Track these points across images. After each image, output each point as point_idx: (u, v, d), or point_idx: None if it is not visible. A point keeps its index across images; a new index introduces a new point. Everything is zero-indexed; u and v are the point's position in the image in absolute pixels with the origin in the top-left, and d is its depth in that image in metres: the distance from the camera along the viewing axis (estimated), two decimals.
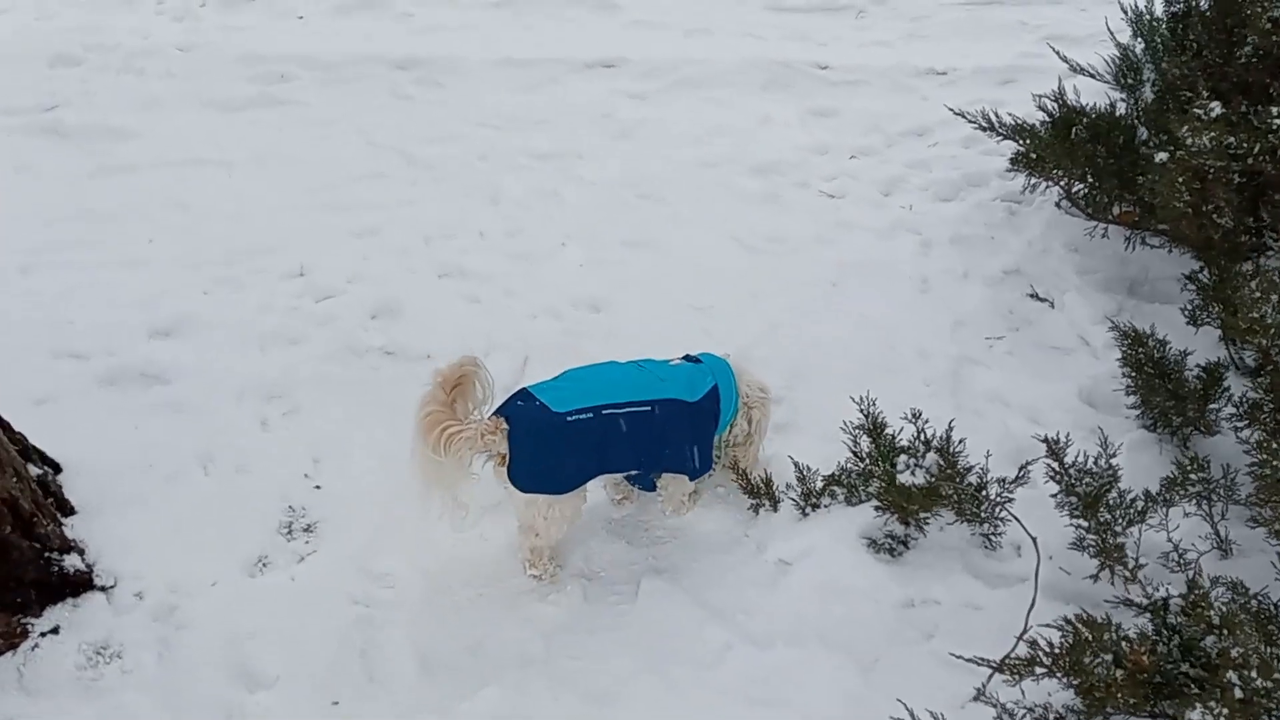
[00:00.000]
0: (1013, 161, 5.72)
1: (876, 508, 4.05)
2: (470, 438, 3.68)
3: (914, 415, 4.06)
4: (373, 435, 4.63)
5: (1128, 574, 3.69)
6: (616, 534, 4.27)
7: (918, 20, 8.32)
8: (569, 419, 3.77)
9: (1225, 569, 3.65)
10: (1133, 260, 5.39)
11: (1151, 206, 5.17)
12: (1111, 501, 3.74)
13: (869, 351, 5.08)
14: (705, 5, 8.54)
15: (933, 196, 6.29)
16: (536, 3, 8.61)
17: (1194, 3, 5.19)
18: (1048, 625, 3.22)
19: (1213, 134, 4.40)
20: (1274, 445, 3.55)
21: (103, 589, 3.92)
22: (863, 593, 3.88)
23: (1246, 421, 4.03)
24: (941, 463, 3.95)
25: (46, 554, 3.81)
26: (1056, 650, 3.03)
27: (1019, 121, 5.72)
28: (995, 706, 3.16)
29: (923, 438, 4.03)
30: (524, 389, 3.91)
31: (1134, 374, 4.42)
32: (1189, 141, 4.47)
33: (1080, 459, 3.78)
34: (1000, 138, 5.86)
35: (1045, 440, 3.80)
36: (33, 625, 3.76)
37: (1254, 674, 2.82)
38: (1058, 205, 5.79)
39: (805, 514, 4.17)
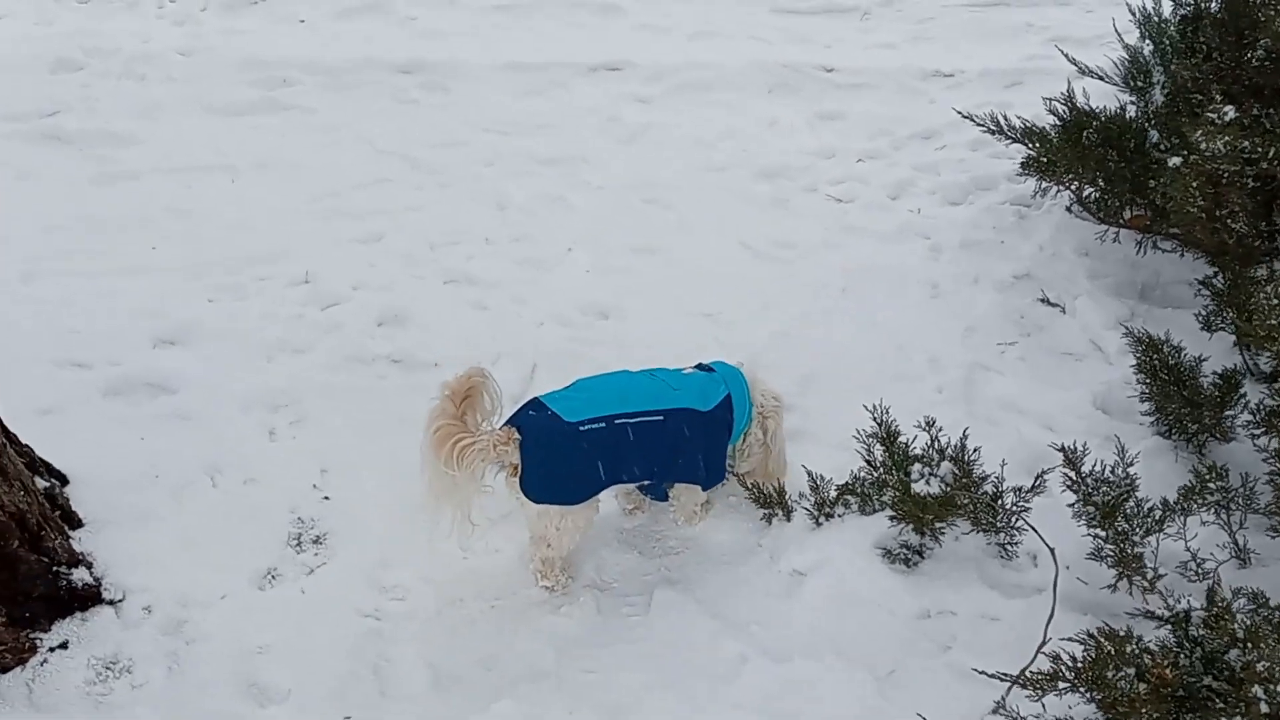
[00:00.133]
0: (1024, 166, 5.68)
1: (891, 517, 4.01)
2: (483, 449, 3.65)
3: (928, 423, 4.02)
4: (381, 445, 4.58)
5: (1146, 584, 3.66)
6: (628, 544, 4.24)
7: (923, 22, 8.26)
8: (581, 429, 3.74)
9: (1244, 579, 3.62)
10: (1144, 264, 5.36)
11: (1163, 210, 5.14)
12: (1129, 510, 3.71)
13: (880, 358, 5.05)
14: (709, 8, 8.47)
15: (941, 200, 6.25)
16: (540, 6, 8.54)
17: (1204, 5, 5.15)
18: (1069, 639, 3.18)
19: (1227, 138, 4.37)
20: None
21: (111, 603, 3.88)
22: (878, 604, 3.85)
23: (1264, 429, 4.00)
24: (956, 472, 3.92)
25: (55, 568, 3.78)
26: (1079, 664, 2.99)
27: (1028, 125, 5.68)
28: None
29: (937, 446, 3.99)
30: (535, 399, 3.88)
31: (1149, 380, 4.39)
32: (1203, 146, 4.44)
33: (1098, 468, 3.74)
34: (1009, 141, 5.83)
35: (1062, 449, 3.77)
36: (41, 640, 3.72)
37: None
38: (1068, 209, 5.76)
39: (819, 523, 4.13)
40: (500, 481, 3.87)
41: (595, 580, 4.09)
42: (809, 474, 4.18)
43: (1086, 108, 5.49)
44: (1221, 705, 2.89)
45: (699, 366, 4.18)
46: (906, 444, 4.07)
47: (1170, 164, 4.66)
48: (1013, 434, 4.54)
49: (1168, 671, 2.94)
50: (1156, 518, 3.69)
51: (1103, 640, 3.04)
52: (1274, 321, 3.79)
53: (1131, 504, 3.71)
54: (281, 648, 3.82)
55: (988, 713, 3.38)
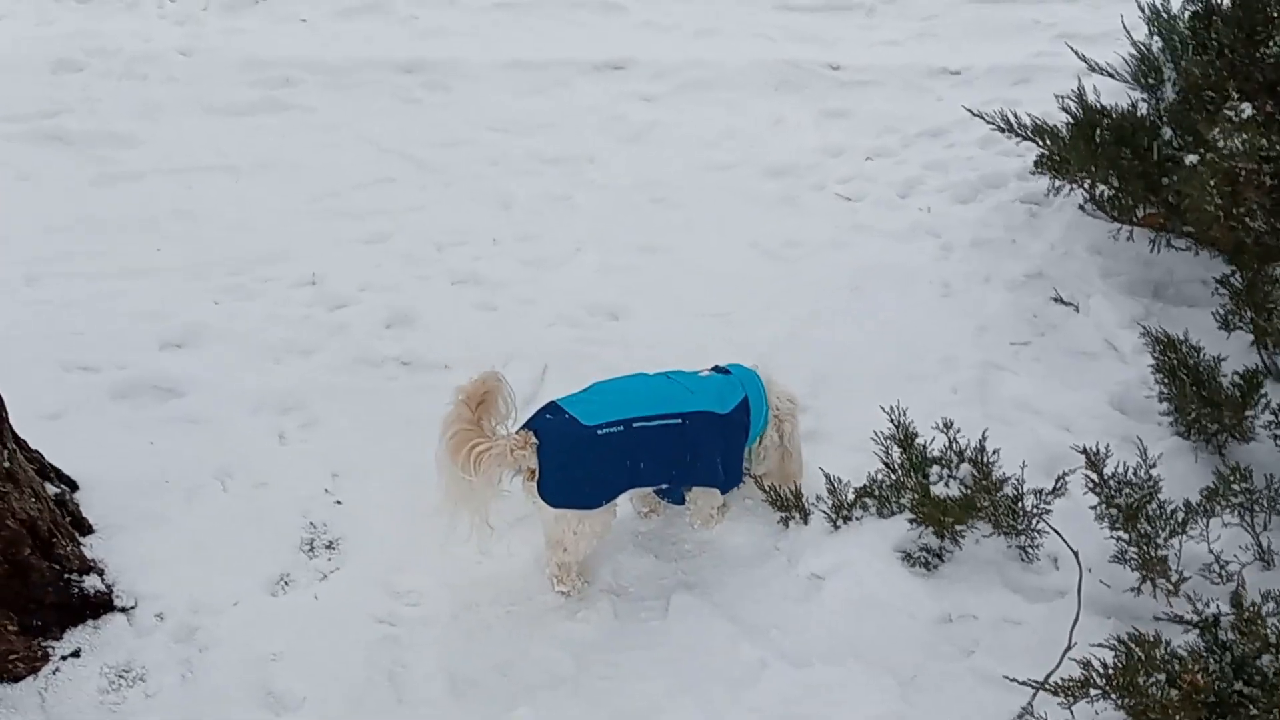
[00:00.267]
0: (1037, 164, 5.65)
1: (910, 520, 3.97)
2: (500, 454, 3.61)
3: (945, 425, 3.99)
4: (391, 448, 4.53)
5: (1170, 587, 3.63)
6: (644, 548, 4.19)
7: (927, 19, 8.24)
8: (599, 432, 3.69)
9: (1268, 581, 3.59)
10: (1157, 263, 5.33)
11: (1176, 208, 5.11)
12: (1151, 512, 3.67)
13: (893, 358, 5.00)
14: (712, 6, 8.45)
15: (950, 198, 6.21)
16: (540, 4, 8.52)
17: (1216, 1, 5.11)
18: (1098, 645, 3.14)
19: (1245, 136, 4.34)
20: None
21: (123, 610, 3.83)
22: (898, 607, 3.81)
23: None
24: (976, 474, 3.89)
25: (66, 575, 3.73)
26: (1110, 671, 2.96)
27: (1039, 122, 5.65)
28: None
29: (955, 448, 3.96)
30: (552, 402, 3.84)
31: (1167, 380, 4.35)
32: (1220, 143, 4.42)
33: (1120, 469, 3.71)
34: (1019, 139, 5.80)
35: (1084, 451, 3.72)
36: (53, 648, 3.67)
37: None
38: (1081, 208, 5.72)
39: (836, 526, 4.09)
40: (517, 485, 3.82)
41: (611, 585, 4.05)
42: (826, 477, 4.14)
43: (1098, 105, 5.46)
44: (1255, 712, 2.86)
45: (715, 369, 4.15)
46: (924, 446, 4.03)
47: (1187, 162, 4.62)
48: (1029, 435, 4.49)
49: (1199, 678, 2.90)
50: (1179, 520, 3.65)
51: (1133, 646, 3.00)
52: None
53: (1154, 506, 3.67)
54: (295, 655, 3.76)
55: (1013, 719, 3.33)
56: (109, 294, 5.42)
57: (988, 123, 5.82)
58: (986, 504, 3.86)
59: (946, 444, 3.97)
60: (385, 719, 3.60)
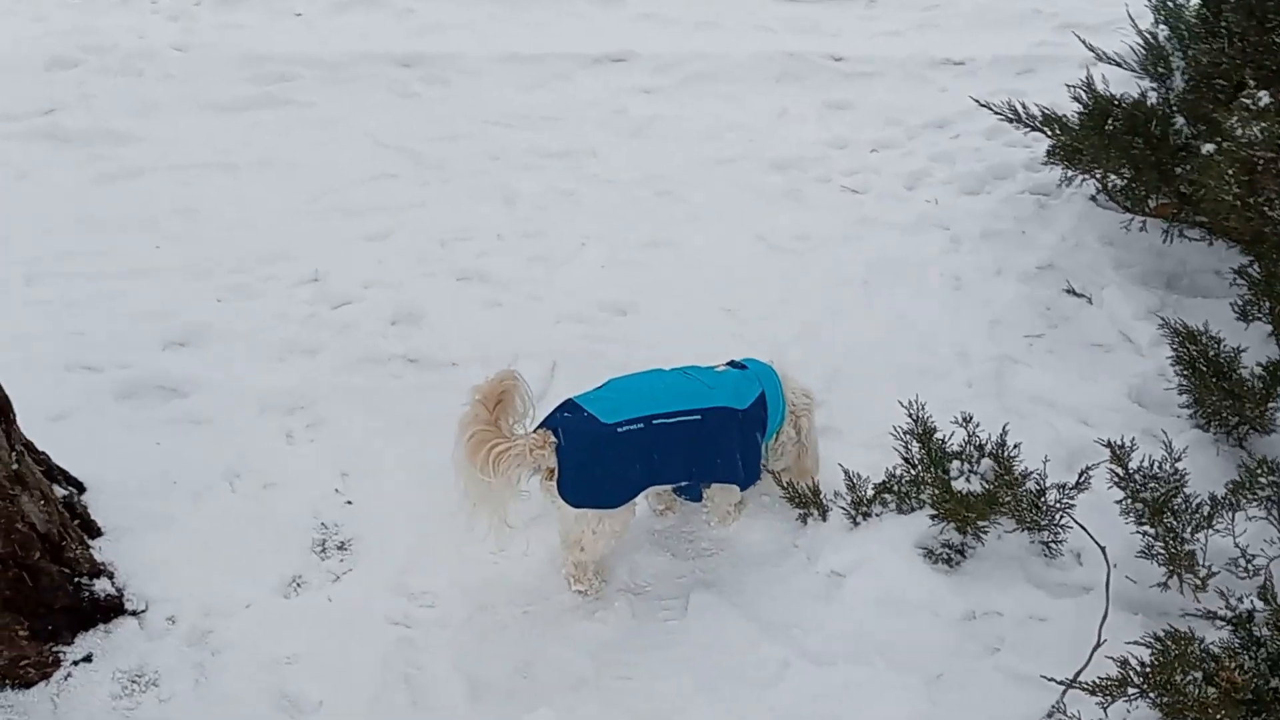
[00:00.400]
0: (1049, 154, 5.61)
1: (932, 516, 3.92)
2: (519, 454, 3.54)
3: (965, 419, 3.94)
4: (401, 447, 4.48)
5: (1198, 582, 3.58)
6: (661, 546, 4.13)
7: (929, 9, 8.21)
8: (619, 430, 3.63)
9: None
10: (1170, 253, 5.29)
11: (1189, 198, 5.07)
12: (1176, 506, 3.63)
13: (907, 352, 4.95)
14: None
15: (958, 190, 6.17)
16: None
17: None
18: (1135, 643, 3.09)
19: (1263, 124, 4.29)
20: None
21: (134, 613, 3.76)
22: (921, 605, 3.75)
23: None
24: (997, 468, 3.84)
25: (76, 579, 3.66)
26: (1148, 669, 2.91)
27: (1047, 112, 5.61)
28: None
29: (975, 443, 3.91)
30: (570, 400, 3.77)
31: (1187, 372, 4.30)
32: (1238, 132, 4.37)
33: (1145, 463, 3.66)
34: (1027, 129, 5.75)
35: (1109, 445, 3.68)
36: (65, 653, 3.59)
37: None
38: (1093, 198, 5.68)
39: (856, 523, 4.04)
40: (534, 485, 3.76)
41: (629, 584, 3.99)
42: (845, 473, 4.09)
43: (1108, 95, 5.41)
44: None
45: (731, 364, 4.09)
46: (943, 441, 3.98)
47: (1204, 151, 4.57)
48: (1046, 428, 4.45)
49: (1237, 675, 2.86)
50: (1205, 514, 3.61)
51: (1170, 644, 2.95)
52: None
53: (1179, 500, 3.63)
54: (310, 658, 3.70)
55: (1043, 717, 3.29)
56: (110, 293, 5.34)
57: (995, 113, 5.77)
58: (1009, 499, 3.81)
59: (966, 438, 3.92)
60: None
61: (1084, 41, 5.79)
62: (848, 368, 4.90)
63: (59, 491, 3.83)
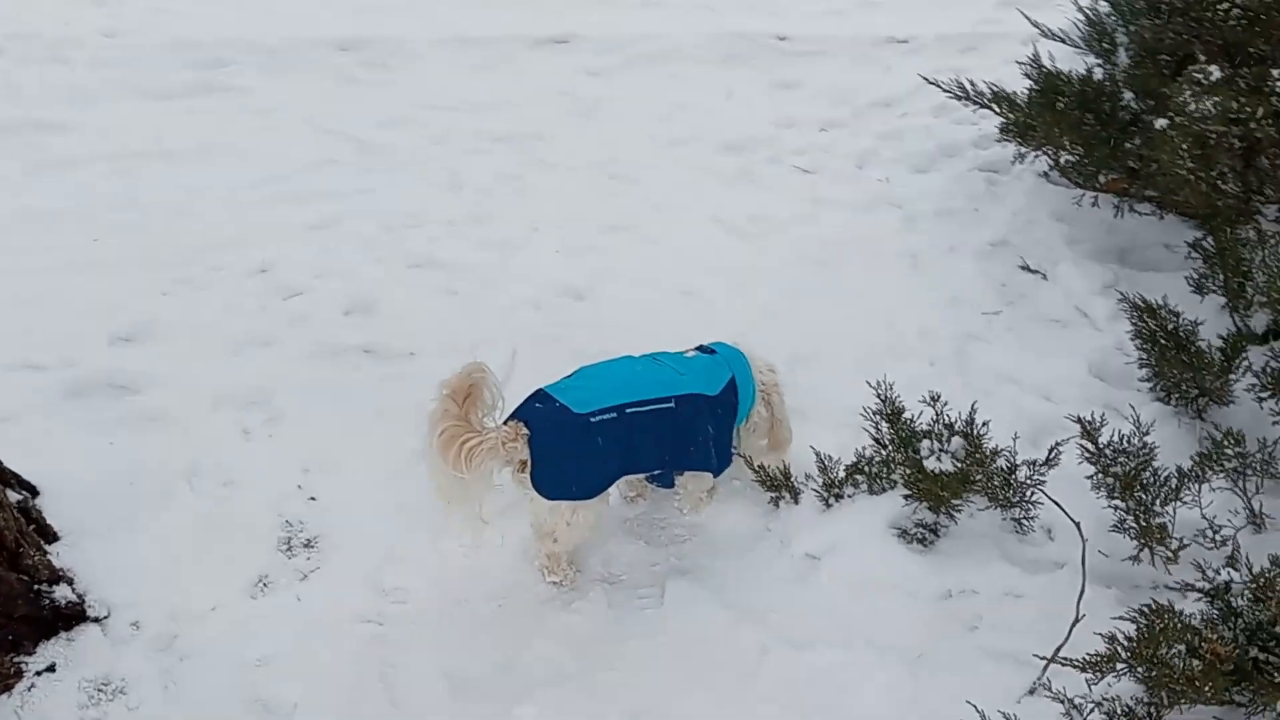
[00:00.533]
0: (1003, 131, 5.63)
1: (905, 496, 3.92)
2: (491, 448, 3.47)
3: (933, 398, 3.95)
4: (362, 440, 4.40)
5: (1170, 554, 3.62)
6: (633, 534, 4.09)
7: None
8: (592, 420, 3.58)
9: (1260, 544, 3.61)
10: (1121, 228, 5.35)
11: (1138, 173, 5.12)
12: (1146, 480, 3.67)
13: (869, 332, 4.96)
14: None
15: (908, 168, 6.20)
16: None
17: None
18: (1120, 618, 3.11)
19: (1215, 99, 4.34)
20: None
21: (97, 620, 3.65)
22: (898, 585, 3.75)
23: (1270, 391, 3.98)
24: (968, 446, 3.85)
25: (35, 586, 3.54)
26: (1134, 643, 2.93)
27: (996, 89, 5.63)
28: (1064, 702, 3.06)
29: (944, 421, 3.92)
30: (541, 390, 3.71)
31: (1148, 346, 4.35)
32: (1190, 107, 4.41)
33: (1115, 438, 3.69)
34: (976, 106, 5.77)
35: (1079, 420, 3.70)
36: (27, 664, 3.48)
37: None
38: (1044, 175, 5.72)
39: (828, 505, 4.03)
40: (506, 477, 3.70)
41: (603, 574, 3.94)
42: (817, 454, 4.08)
43: (1056, 71, 5.44)
44: (1279, 678, 2.85)
45: (700, 348, 4.05)
46: (911, 420, 3.99)
47: (1157, 125, 4.62)
48: (1010, 405, 4.47)
49: (1220, 647, 2.89)
50: (1173, 486, 3.65)
51: (1154, 618, 2.97)
52: None
53: (1148, 474, 3.66)
54: (282, 659, 3.61)
55: (1025, 693, 3.31)
56: (51, 288, 5.20)
57: (944, 91, 5.78)
58: (980, 477, 3.82)
59: (934, 417, 3.93)
60: None
61: (1027, 17, 5.80)
62: (811, 349, 4.89)
63: (12, 496, 3.71)
